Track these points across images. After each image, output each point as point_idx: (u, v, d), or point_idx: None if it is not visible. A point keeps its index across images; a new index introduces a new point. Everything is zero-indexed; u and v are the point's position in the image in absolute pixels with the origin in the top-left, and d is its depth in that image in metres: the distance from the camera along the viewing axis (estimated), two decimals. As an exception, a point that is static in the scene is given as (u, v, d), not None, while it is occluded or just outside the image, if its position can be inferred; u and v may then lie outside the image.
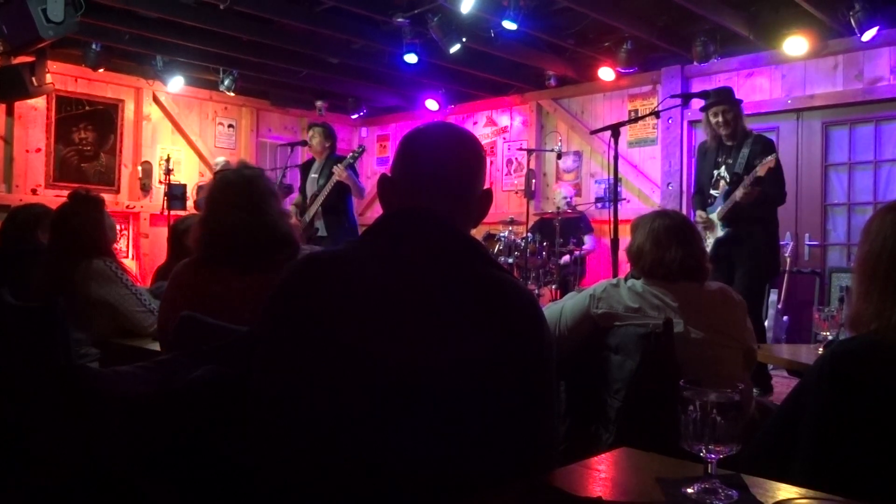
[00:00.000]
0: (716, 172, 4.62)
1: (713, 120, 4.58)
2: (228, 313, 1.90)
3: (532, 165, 7.80)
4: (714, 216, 4.58)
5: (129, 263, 8.02)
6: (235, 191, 2.27)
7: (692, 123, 7.07)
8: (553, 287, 6.54)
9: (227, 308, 2.01)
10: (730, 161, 4.55)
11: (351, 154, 5.90)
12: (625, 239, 2.66)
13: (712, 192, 4.65)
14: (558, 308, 2.41)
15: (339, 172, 5.60)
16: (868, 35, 5.50)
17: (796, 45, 5.98)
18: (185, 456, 1.30)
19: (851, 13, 5.42)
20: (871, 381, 1.32)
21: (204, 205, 2.35)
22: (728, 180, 4.53)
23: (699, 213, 4.69)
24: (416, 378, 1.12)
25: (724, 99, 4.57)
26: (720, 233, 4.55)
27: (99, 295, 2.82)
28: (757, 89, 6.51)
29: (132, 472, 1.27)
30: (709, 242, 4.54)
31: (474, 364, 1.13)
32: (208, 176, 8.09)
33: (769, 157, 4.30)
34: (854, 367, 1.35)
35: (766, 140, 4.59)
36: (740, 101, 4.66)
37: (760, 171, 4.30)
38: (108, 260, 2.92)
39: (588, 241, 6.84)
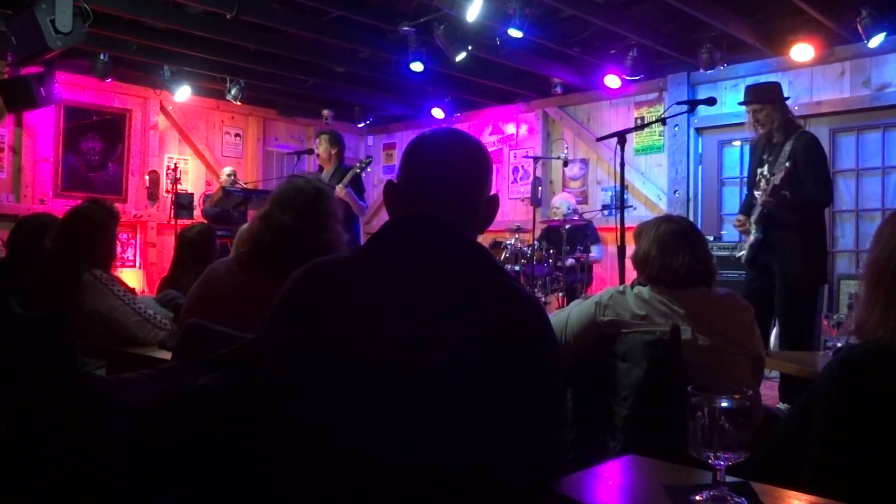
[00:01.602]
0: (759, 171, 4.40)
1: (751, 119, 4.40)
2: (252, 316, 1.86)
3: (538, 173, 7.79)
4: (753, 218, 4.39)
5: (136, 273, 8.05)
6: (303, 197, 2.29)
7: (699, 130, 7.06)
8: (560, 295, 6.52)
9: (257, 308, 2.00)
10: (771, 159, 4.32)
11: (358, 165, 5.85)
12: (632, 247, 2.63)
13: (756, 192, 4.42)
14: (564, 316, 2.40)
15: (338, 190, 5.53)
16: (875, 41, 5.49)
17: (803, 51, 5.96)
18: (191, 463, 1.30)
19: (858, 19, 5.41)
20: (880, 387, 1.31)
21: (268, 203, 2.35)
22: (769, 180, 4.29)
23: (737, 217, 4.52)
24: (421, 384, 1.12)
25: (754, 97, 4.38)
26: (754, 236, 4.35)
27: (92, 307, 2.77)
28: (763, 96, 6.49)
29: (138, 479, 1.27)
30: (745, 245, 4.42)
31: (479, 371, 1.12)
32: (215, 185, 8.13)
33: (787, 164, 4.12)
34: (862, 372, 1.34)
35: (808, 138, 4.33)
36: (784, 98, 4.42)
37: (776, 178, 4.11)
38: (97, 272, 2.86)
39: (595, 250, 6.81)
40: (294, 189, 2.33)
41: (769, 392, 4.45)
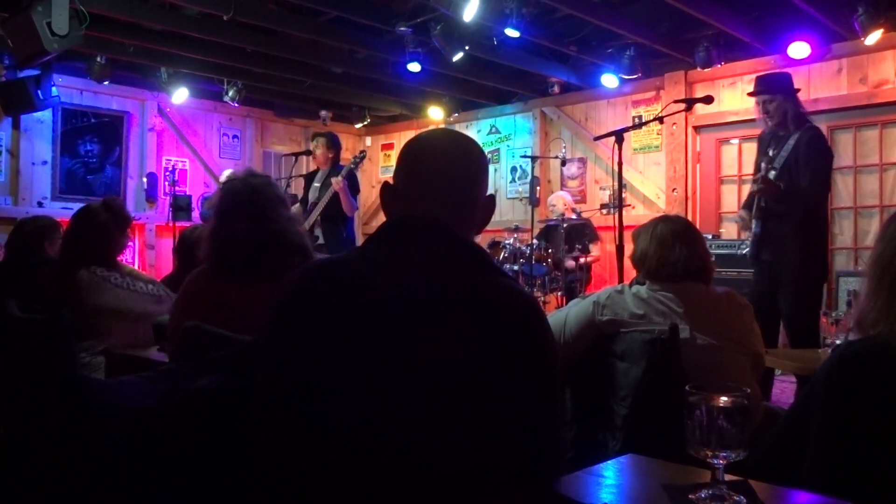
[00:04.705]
0: (763, 165, 4.23)
1: (760, 110, 4.27)
2: (241, 322, 1.88)
3: (536, 173, 7.79)
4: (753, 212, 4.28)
5: (135, 275, 8.03)
6: (242, 200, 2.28)
7: (696, 129, 7.07)
8: (559, 294, 6.52)
9: (239, 317, 2.00)
10: (776, 152, 4.18)
11: (352, 160, 5.86)
12: (630, 246, 2.63)
13: (754, 185, 4.29)
14: (562, 315, 2.40)
15: (336, 182, 5.57)
16: (872, 38, 5.49)
17: (800, 49, 5.96)
18: (189, 466, 1.30)
19: (855, 16, 5.41)
20: (879, 383, 1.31)
21: (212, 216, 2.36)
22: (778, 172, 4.16)
23: (740, 212, 4.42)
24: (420, 385, 1.12)
25: (765, 87, 4.27)
26: (753, 230, 4.25)
27: (97, 304, 2.80)
28: (761, 94, 6.49)
29: (136, 482, 1.26)
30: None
31: (478, 371, 1.12)
32: (214, 187, 8.12)
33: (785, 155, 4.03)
34: (861, 368, 1.34)
35: (813, 132, 4.19)
36: (794, 89, 4.29)
37: (773, 168, 4.03)
38: (92, 267, 2.88)
39: (594, 248, 6.83)
40: (230, 194, 2.32)
41: (779, 393, 4.40)
